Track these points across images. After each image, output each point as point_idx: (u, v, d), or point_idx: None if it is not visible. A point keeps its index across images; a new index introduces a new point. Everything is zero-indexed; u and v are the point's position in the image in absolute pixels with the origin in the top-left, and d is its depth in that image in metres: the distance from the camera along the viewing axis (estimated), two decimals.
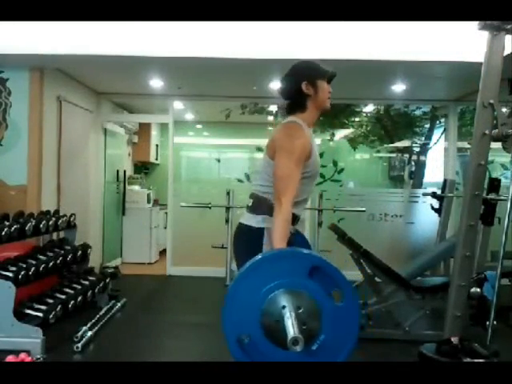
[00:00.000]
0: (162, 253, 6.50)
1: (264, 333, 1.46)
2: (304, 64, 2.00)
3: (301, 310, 1.44)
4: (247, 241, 1.93)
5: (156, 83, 5.05)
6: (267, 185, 1.91)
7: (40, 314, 3.12)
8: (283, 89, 2.01)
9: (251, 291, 1.46)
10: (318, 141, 6.20)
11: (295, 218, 1.95)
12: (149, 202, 6.61)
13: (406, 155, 6.61)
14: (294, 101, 1.97)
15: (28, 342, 2.96)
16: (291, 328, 1.36)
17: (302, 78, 1.93)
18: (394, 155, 6.64)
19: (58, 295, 3.46)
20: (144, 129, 7.18)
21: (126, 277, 5.44)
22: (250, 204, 1.98)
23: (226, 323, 1.47)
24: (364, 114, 6.65)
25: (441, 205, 4.73)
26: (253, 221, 1.92)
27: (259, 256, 1.55)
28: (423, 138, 6.74)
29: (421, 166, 6.62)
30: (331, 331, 1.47)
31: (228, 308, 1.48)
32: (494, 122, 2.38)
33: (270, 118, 6.55)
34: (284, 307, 1.43)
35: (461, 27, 3.39)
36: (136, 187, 6.87)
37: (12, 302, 2.99)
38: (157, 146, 7.55)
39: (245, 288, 1.48)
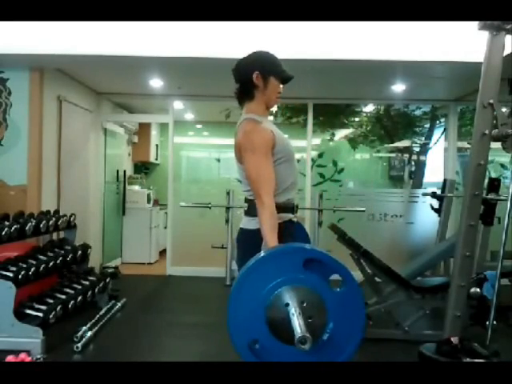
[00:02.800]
0: (162, 253, 6.50)
1: (273, 334, 1.46)
2: (263, 55, 1.97)
3: (304, 304, 1.44)
4: (250, 244, 1.93)
5: (156, 83, 5.06)
6: (249, 189, 1.92)
7: (40, 314, 3.12)
8: (236, 72, 1.99)
9: (252, 296, 1.46)
10: (317, 141, 6.20)
11: (293, 205, 1.98)
12: (149, 202, 6.61)
13: (406, 155, 6.61)
14: (243, 87, 1.96)
15: (28, 342, 2.96)
16: (297, 326, 1.36)
17: (256, 68, 1.90)
18: (393, 155, 6.64)
19: (58, 295, 3.46)
20: (144, 129, 7.18)
21: (125, 277, 5.44)
22: (246, 208, 2.00)
23: (233, 333, 1.47)
24: (364, 114, 6.65)
25: (440, 205, 4.73)
26: (250, 223, 1.93)
27: (252, 260, 1.54)
28: (423, 138, 6.74)
29: (421, 166, 6.62)
30: (339, 317, 1.48)
31: (232, 318, 1.47)
32: (494, 121, 2.39)
33: (270, 118, 6.54)
34: (287, 305, 1.43)
35: (461, 27, 3.40)
36: (136, 187, 6.87)
37: (12, 302, 2.99)
38: (157, 146, 7.55)
39: (245, 294, 1.48)
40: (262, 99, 1.95)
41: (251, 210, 1.93)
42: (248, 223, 1.95)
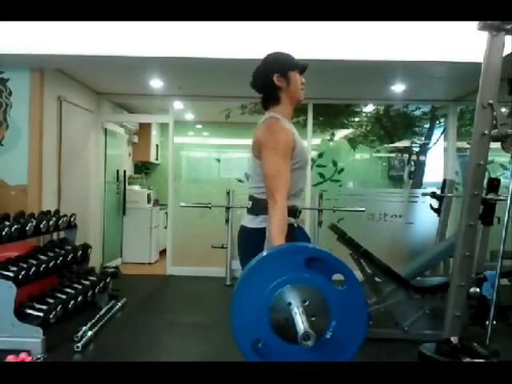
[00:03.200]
0: (162, 253, 6.50)
1: (276, 334, 1.46)
2: (275, 56, 1.98)
3: (307, 303, 1.44)
4: (251, 242, 1.93)
5: (156, 83, 5.06)
6: (261, 186, 1.90)
7: (40, 314, 3.12)
8: (256, 82, 1.98)
9: (255, 296, 1.47)
10: (317, 141, 6.21)
11: (296, 211, 1.97)
12: (149, 202, 6.62)
13: (406, 155, 6.61)
14: (268, 94, 1.95)
15: (28, 342, 2.96)
16: (300, 324, 1.36)
17: (274, 70, 1.91)
18: (393, 155, 6.64)
19: (59, 295, 3.46)
20: (144, 129, 7.18)
21: (125, 277, 5.44)
22: (250, 206, 1.98)
23: (237, 333, 1.47)
24: (364, 114, 6.66)
25: (440, 205, 4.73)
26: (254, 222, 1.92)
27: (254, 260, 1.55)
28: (423, 138, 6.74)
29: (420, 165, 6.62)
30: (341, 316, 1.48)
31: (235, 318, 1.48)
32: (494, 122, 2.39)
33: None
34: (290, 304, 1.44)
35: (461, 27, 3.40)
36: (136, 187, 6.88)
37: (12, 302, 3.00)
38: (157, 145, 7.55)
39: (248, 294, 1.48)
40: (288, 99, 1.96)
41: (256, 209, 1.92)
42: (251, 221, 1.94)
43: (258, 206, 1.89)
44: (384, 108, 6.46)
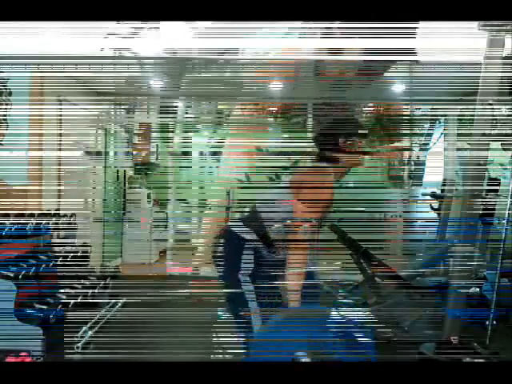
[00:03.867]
0: (162, 253, 6.50)
1: None
2: (341, 120, 2.12)
3: None
4: (231, 246, 1.97)
5: (156, 83, 5.06)
6: (274, 212, 1.96)
7: (40, 314, 3.12)
8: (319, 142, 2.09)
9: (277, 347, 1.48)
10: None
11: None
12: (149, 202, 6.61)
13: (406, 155, 6.60)
14: (329, 154, 2.05)
15: (28, 342, 2.96)
16: None
17: (340, 135, 2.02)
18: (393, 155, 6.63)
19: (59, 295, 3.46)
20: (144, 129, 7.17)
21: (126, 277, 5.44)
22: (246, 215, 2.01)
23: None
24: (364, 114, 6.65)
25: (440, 205, 4.73)
26: (241, 230, 1.99)
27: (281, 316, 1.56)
28: (423, 138, 6.73)
29: (420, 165, 6.61)
30: None
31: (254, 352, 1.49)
32: (494, 121, 2.39)
33: (270, 119, 6.54)
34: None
35: (461, 27, 3.39)
36: (136, 187, 6.87)
37: (12, 302, 2.99)
38: (157, 146, 7.54)
39: (270, 342, 1.49)
40: (346, 161, 2.13)
41: (251, 222, 2.00)
42: (241, 228, 2.01)
43: (255, 221, 1.97)
44: (384, 108, 6.45)
